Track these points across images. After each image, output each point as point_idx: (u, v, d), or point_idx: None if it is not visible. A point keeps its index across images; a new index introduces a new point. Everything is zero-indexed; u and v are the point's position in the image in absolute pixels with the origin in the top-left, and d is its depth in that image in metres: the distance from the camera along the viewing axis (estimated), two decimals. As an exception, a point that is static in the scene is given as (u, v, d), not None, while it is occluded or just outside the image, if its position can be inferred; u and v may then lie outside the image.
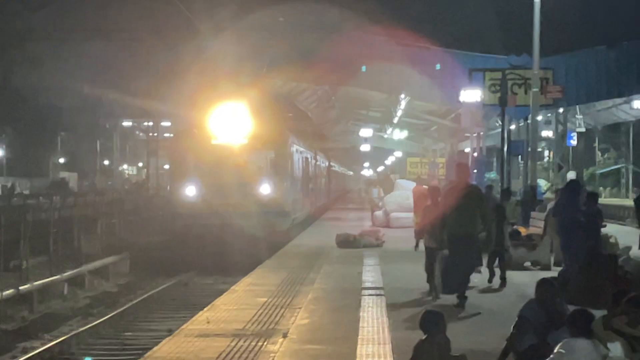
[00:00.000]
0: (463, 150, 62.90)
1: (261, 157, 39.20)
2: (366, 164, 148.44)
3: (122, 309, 28.69)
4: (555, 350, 11.12)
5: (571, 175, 42.46)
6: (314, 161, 56.21)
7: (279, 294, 20.52)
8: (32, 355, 21.28)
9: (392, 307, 18.10)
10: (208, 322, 17.03)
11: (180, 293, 33.01)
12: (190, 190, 37.96)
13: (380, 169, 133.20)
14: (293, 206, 41.18)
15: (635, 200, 32.30)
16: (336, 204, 76.71)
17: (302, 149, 47.32)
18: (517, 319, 12.65)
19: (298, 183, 44.99)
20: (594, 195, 23.07)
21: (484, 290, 20.46)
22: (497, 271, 21.38)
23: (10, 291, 27.55)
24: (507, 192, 27.51)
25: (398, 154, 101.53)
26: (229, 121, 38.08)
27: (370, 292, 20.77)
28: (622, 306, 12.28)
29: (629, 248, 20.98)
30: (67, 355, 22.26)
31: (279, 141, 39.73)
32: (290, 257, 30.58)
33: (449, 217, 18.68)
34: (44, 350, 21.93)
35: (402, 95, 52.33)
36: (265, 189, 37.63)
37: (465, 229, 18.38)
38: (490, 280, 21.29)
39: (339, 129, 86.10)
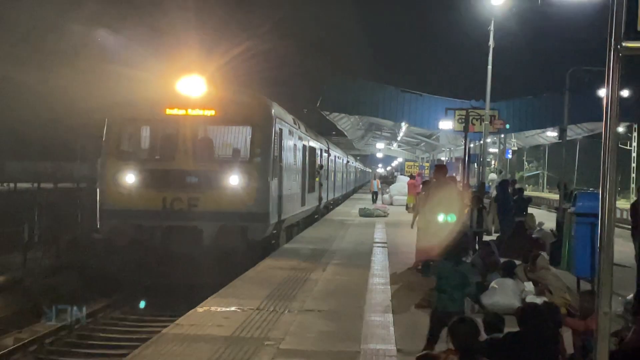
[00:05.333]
0: (440, 159, 62.64)
1: (232, 134, 19.02)
2: (380, 165, 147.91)
3: None
4: (490, 286, 11.18)
5: (500, 177, 42.06)
6: (326, 154, 34.42)
7: (322, 243, 20.33)
8: None
9: (391, 254, 18.07)
10: (277, 261, 16.88)
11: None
12: (128, 178, 17.20)
13: (389, 168, 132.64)
14: (279, 206, 19.11)
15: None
16: (359, 190, 76.36)
17: (303, 135, 24.96)
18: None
19: (293, 175, 22.21)
20: (521, 190, 23.75)
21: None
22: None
23: None
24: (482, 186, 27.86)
25: (400, 159, 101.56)
26: (190, 84, 17.40)
27: (378, 244, 20.71)
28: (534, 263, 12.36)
29: (542, 223, 20.89)
30: None
31: (257, 114, 17.97)
32: (329, 222, 30.11)
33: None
34: None
35: (403, 124, 52.17)
36: (234, 180, 17.11)
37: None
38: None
39: (364, 143, 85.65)
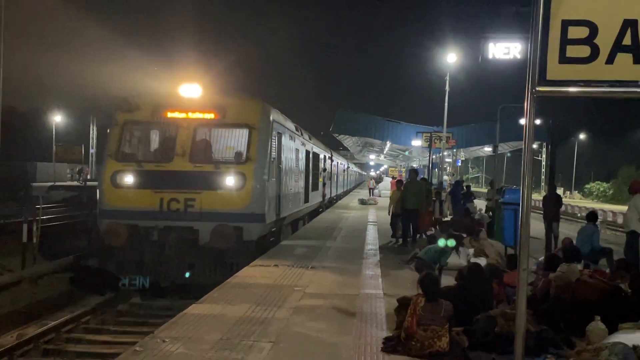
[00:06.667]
0: (413, 166, 62.50)
1: (231, 137, 12.96)
2: (372, 170, 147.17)
3: None
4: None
5: (452, 178, 41.89)
6: (329, 160, 28.94)
7: (331, 225, 20.09)
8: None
9: (379, 230, 17.94)
10: (299, 236, 16.78)
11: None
12: (126, 179, 12.25)
13: (378, 172, 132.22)
14: (278, 205, 13.98)
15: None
16: (357, 187, 75.95)
17: (306, 141, 19.57)
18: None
19: (295, 176, 16.95)
20: (469, 187, 23.68)
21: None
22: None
23: None
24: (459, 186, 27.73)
25: (385, 166, 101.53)
26: (191, 87, 12.66)
27: (371, 223, 20.61)
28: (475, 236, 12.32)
29: (481, 209, 20.80)
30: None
31: (255, 117, 12.77)
32: (336, 208, 29.90)
33: (406, 198, 14.98)
34: None
35: (388, 142, 52.08)
36: (230, 181, 12.11)
37: (414, 205, 14.84)
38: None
39: (362, 154, 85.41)
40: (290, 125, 16.37)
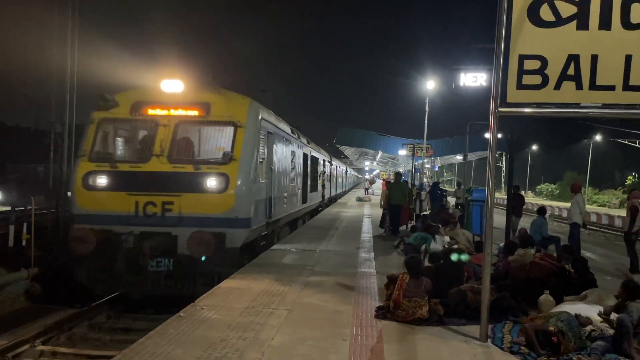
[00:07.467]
0: (399, 170, 62.36)
1: (215, 136, 9.10)
2: (367, 174, 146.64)
3: None
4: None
5: (431, 180, 41.70)
6: (329, 164, 25.78)
7: (334, 217, 19.92)
8: None
9: (372, 222, 17.77)
10: (310, 225, 16.63)
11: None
12: (99, 180, 8.55)
13: (371, 175, 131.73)
14: (269, 207, 10.34)
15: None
16: (355, 188, 75.75)
17: (303, 145, 16.04)
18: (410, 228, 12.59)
19: (290, 178, 13.19)
20: (441, 188, 23.63)
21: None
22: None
23: None
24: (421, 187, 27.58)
25: (377, 171, 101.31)
26: (172, 83, 9.08)
27: (366, 217, 20.36)
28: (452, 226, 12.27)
29: (453, 205, 20.74)
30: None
31: (242, 115, 8.99)
32: (336, 205, 29.64)
33: (391, 195, 14.77)
34: None
35: (379, 151, 52.08)
36: (212, 183, 8.43)
37: (398, 201, 14.65)
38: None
39: (359, 161, 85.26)
40: (285, 127, 13.02)
